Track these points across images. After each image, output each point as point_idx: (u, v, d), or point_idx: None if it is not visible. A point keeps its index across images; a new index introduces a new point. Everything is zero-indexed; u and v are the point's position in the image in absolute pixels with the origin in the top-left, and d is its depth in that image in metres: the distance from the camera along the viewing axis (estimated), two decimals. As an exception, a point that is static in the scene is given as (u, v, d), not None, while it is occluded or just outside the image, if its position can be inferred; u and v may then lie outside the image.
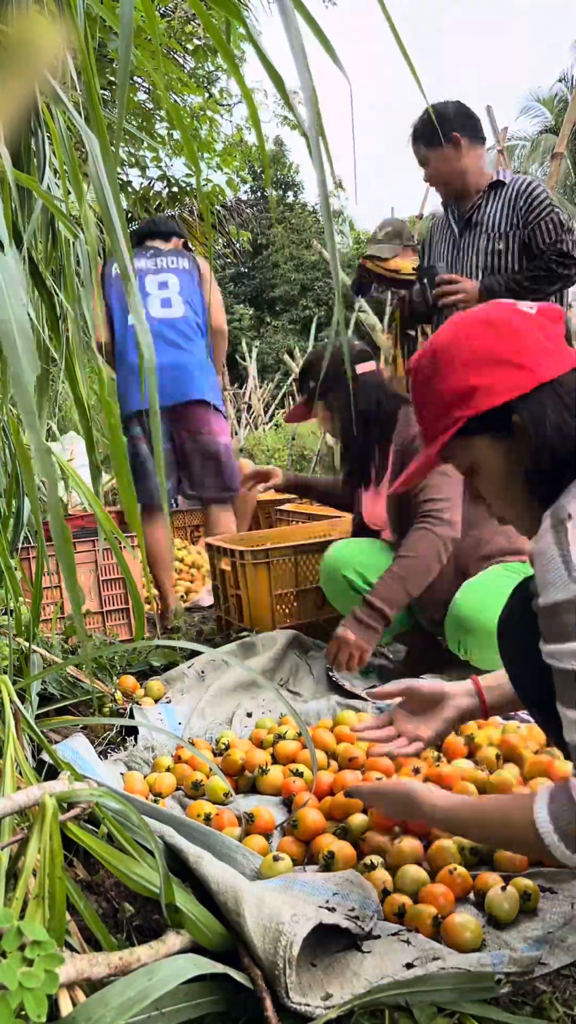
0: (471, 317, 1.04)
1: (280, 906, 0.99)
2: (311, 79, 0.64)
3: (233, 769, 1.62)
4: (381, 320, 7.84)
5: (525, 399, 0.98)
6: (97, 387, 1.34)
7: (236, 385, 11.55)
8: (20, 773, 1.23)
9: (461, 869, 1.20)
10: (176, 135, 4.95)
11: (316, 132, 0.67)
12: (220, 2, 0.80)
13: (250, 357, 11.27)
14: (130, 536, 2.66)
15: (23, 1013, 0.72)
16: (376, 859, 1.25)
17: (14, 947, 0.76)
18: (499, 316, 1.02)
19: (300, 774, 1.54)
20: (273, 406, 11.62)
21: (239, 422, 10.63)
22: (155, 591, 2.93)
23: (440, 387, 1.03)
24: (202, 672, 2.18)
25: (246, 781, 1.60)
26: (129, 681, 2.13)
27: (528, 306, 1.03)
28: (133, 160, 5.31)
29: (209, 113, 5.15)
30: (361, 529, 2.40)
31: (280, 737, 1.72)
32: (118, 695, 2.02)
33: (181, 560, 3.84)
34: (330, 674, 2.14)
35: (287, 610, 2.50)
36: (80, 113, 1.02)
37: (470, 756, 1.59)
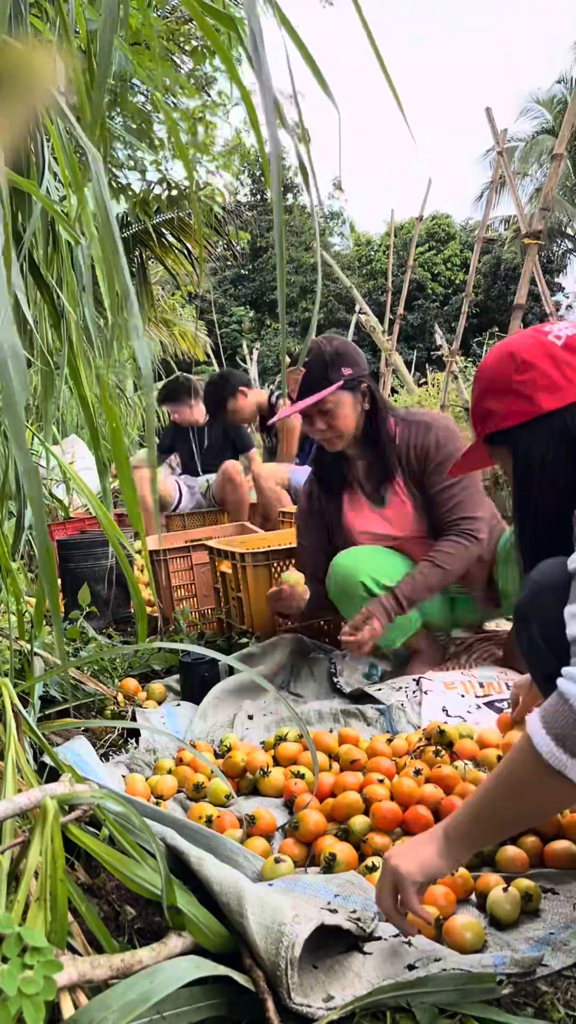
0: (504, 346, 1.18)
1: (282, 907, 0.99)
2: (276, 121, 0.65)
3: (235, 771, 1.62)
4: (381, 321, 7.84)
5: (524, 427, 1.13)
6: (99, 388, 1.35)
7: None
8: (21, 775, 1.23)
9: (462, 870, 1.20)
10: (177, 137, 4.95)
11: (276, 164, 0.67)
12: (216, 13, 0.80)
13: (250, 359, 11.29)
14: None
15: (23, 1018, 0.72)
16: (378, 861, 1.25)
17: (14, 953, 0.76)
18: (522, 347, 1.14)
19: (302, 776, 1.54)
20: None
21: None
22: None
23: (474, 405, 1.22)
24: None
25: (248, 783, 1.61)
26: (131, 684, 2.13)
27: (556, 336, 1.13)
28: (132, 163, 5.31)
29: (208, 115, 5.15)
30: (346, 545, 2.29)
31: (281, 739, 1.72)
32: (120, 698, 2.02)
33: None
34: (333, 678, 2.14)
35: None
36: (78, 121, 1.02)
37: (471, 757, 1.59)
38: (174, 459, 4.52)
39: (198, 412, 4.39)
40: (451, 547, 2.04)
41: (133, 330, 0.83)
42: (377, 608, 2.01)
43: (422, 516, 2.16)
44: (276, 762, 1.66)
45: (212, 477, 4.18)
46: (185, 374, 4.51)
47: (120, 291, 0.85)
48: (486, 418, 1.18)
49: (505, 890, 1.12)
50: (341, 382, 2.10)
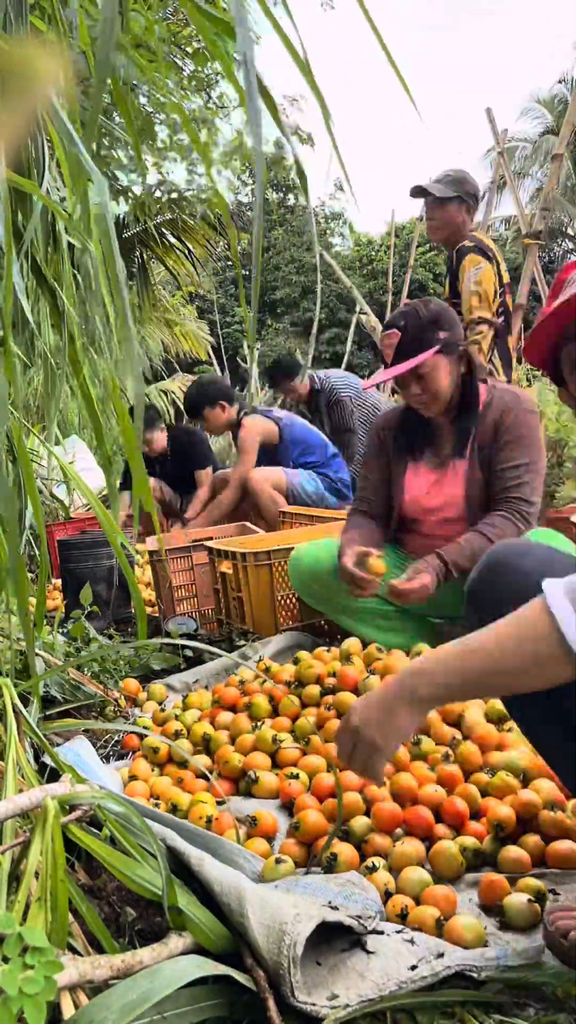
0: None
1: (283, 906, 0.99)
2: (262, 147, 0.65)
3: (233, 773, 1.62)
4: (382, 321, 7.84)
5: None
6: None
7: (237, 388, 11.56)
8: (22, 775, 1.23)
9: (455, 852, 1.23)
10: (178, 139, 4.96)
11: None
12: (214, 19, 0.81)
13: (251, 359, 11.28)
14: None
15: (23, 1017, 0.72)
16: (378, 861, 1.25)
17: (15, 952, 0.76)
18: None
19: (296, 776, 1.54)
20: (273, 407, 11.62)
21: (240, 424, 10.60)
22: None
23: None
24: (206, 684, 2.21)
25: (246, 785, 1.60)
26: (132, 684, 2.14)
27: None
28: (133, 164, 5.31)
29: (208, 117, 5.16)
30: (388, 518, 2.28)
31: (279, 742, 1.71)
32: (121, 699, 2.02)
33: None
34: None
35: (288, 612, 2.50)
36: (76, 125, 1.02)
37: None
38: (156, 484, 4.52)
39: (161, 439, 4.43)
40: (501, 522, 1.97)
41: (127, 342, 0.83)
42: (427, 566, 1.96)
43: (470, 489, 2.09)
44: (275, 764, 1.66)
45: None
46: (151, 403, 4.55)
47: (117, 307, 0.84)
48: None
49: (530, 901, 1.12)
50: (438, 346, 2.03)
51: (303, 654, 2.01)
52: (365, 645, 2.01)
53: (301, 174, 0.82)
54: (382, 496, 2.27)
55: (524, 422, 2.05)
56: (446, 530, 2.14)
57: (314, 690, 1.82)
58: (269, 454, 3.90)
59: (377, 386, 5.08)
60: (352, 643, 2.00)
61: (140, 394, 0.80)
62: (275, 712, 1.82)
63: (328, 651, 2.05)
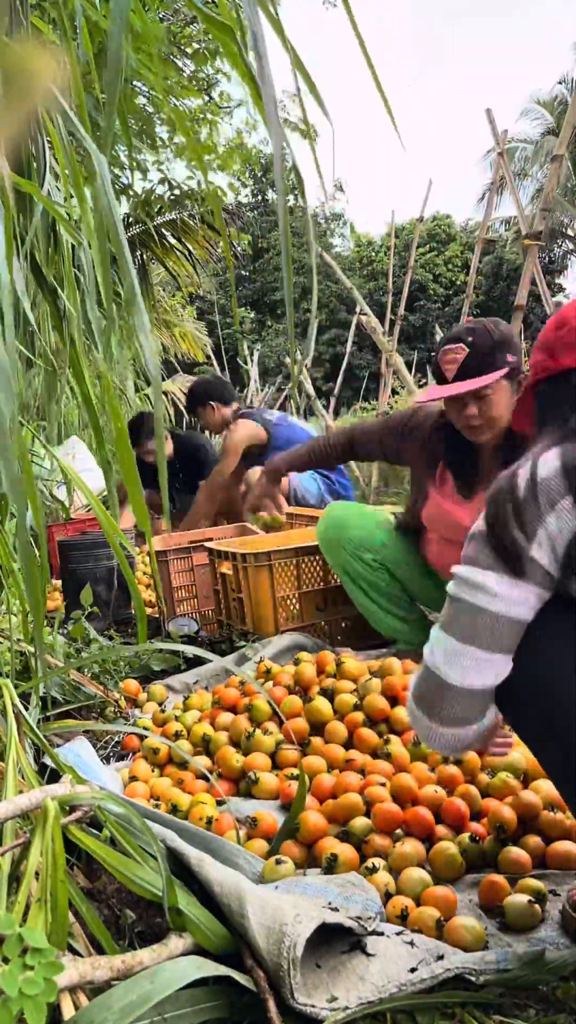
0: (565, 307, 1.15)
1: (283, 907, 0.99)
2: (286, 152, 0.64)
3: (233, 774, 1.62)
4: (382, 322, 7.84)
5: (547, 381, 1.10)
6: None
7: (237, 388, 11.57)
8: (22, 776, 1.23)
9: (455, 852, 1.23)
10: (178, 139, 4.96)
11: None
12: (215, 23, 0.81)
13: (251, 360, 11.29)
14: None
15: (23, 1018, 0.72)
16: (378, 862, 1.24)
17: (15, 953, 0.76)
18: (570, 309, 1.11)
19: (295, 777, 1.54)
20: (274, 408, 11.62)
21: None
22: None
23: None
24: (206, 685, 2.20)
25: (246, 786, 1.60)
26: (132, 685, 2.13)
27: None
28: (134, 163, 5.32)
29: (209, 116, 5.16)
30: (408, 527, 2.29)
31: (280, 743, 1.71)
32: (121, 700, 2.02)
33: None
34: None
35: (289, 613, 2.50)
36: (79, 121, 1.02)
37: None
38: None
39: (166, 447, 4.40)
40: None
41: (140, 327, 0.83)
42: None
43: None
44: (275, 765, 1.66)
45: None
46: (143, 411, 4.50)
47: (126, 291, 0.85)
48: (533, 368, 1.16)
49: (530, 902, 1.12)
50: (506, 369, 1.91)
51: (304, 655, 2.01)
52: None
53: (299, 179, 0.83)
54: (368, 450, 2.35)
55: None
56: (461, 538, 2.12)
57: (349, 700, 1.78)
58: (260, 457, 3.89)
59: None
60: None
61: (158, 402, 0.80)
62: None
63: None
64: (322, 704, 1.73)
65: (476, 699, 0.99)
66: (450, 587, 1.01)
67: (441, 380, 1.97)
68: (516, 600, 0.94)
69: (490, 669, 0.97)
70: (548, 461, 0.95)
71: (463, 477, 2.10)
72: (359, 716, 1.69)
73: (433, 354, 2.10)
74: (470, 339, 1.93)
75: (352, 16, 0.77)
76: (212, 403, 4.00)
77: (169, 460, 4.44)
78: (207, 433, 4.45)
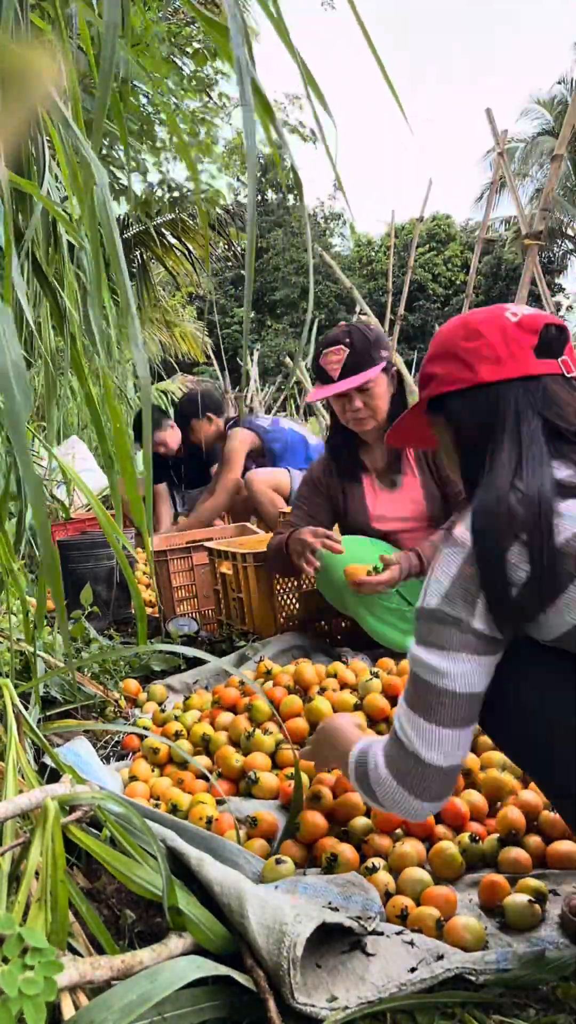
0: (462, 316, 1.15)
1: (283, 907, 0.99)
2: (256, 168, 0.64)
3: (233, 774, 1.62)
4: (382, 322, 7.84)
5: (461, 394, 1.08)
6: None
7: (237, 388, 11.56)
8: (23, 776, 1.23)
9: (455, 852, 1.24)
10: (173, 142, 4.95)
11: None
12: (212, 24, 0.81)
13: (251, 360, 11.28)
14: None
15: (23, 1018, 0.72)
16: (378, 861, 1.24)
17: (15, 953, 0.76)
18: (477, 318, 1.11)
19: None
20: (275, 409, 11.62)
21: (240, 425, 10.59)
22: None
23: (421, 369, 1.17)
24: (206, 685, 2.20)
25: (246, 785, 1.60)
26: (132, 685, 2.13)
27: (512, 313, 1.09)
28: (134, 164, 5.32)
29: (208, 117, 5.16)
30: (356, 530, 2.33)
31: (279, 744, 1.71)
32: (121, 700, 2.02)
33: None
34: None
35: (289, 613, 2.50)
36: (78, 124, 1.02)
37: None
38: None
39: (174, 437, 4.41)
40: None
41: (132, 339, 0.83)
42: (401, 558, 2.02)
43: (429, 502, 2.21)
44: (275, 765, 1.65)
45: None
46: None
47: (121, 300, 0.85)
48: (428, 382, 1.13)
49: (530, 902, 1.12)
50: (384, 364, 2.14)
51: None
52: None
53: (296, 180, 0.83)
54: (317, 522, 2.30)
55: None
56: (421, 538, 2.20)
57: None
58: (257, 464, 3.92)
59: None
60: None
61: (148, 396, 0.80)
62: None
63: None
64: (322, 704, 1.73)
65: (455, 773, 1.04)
66: (409, 664, 1.04)
67: (325, 380, 2.17)
68: (469, 672, 0.97)
69: (465, 744, 1.02)
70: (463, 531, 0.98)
71: (374, 470, 2.28)
72: (359, 716, 1.69)
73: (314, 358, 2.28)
74: (348, 340, 2.14)
75: (358, 13, 0.77)
76: (208, 415, 4.05)
77: (175, 454, 4.44)
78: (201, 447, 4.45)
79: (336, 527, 2.40)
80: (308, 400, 2.27)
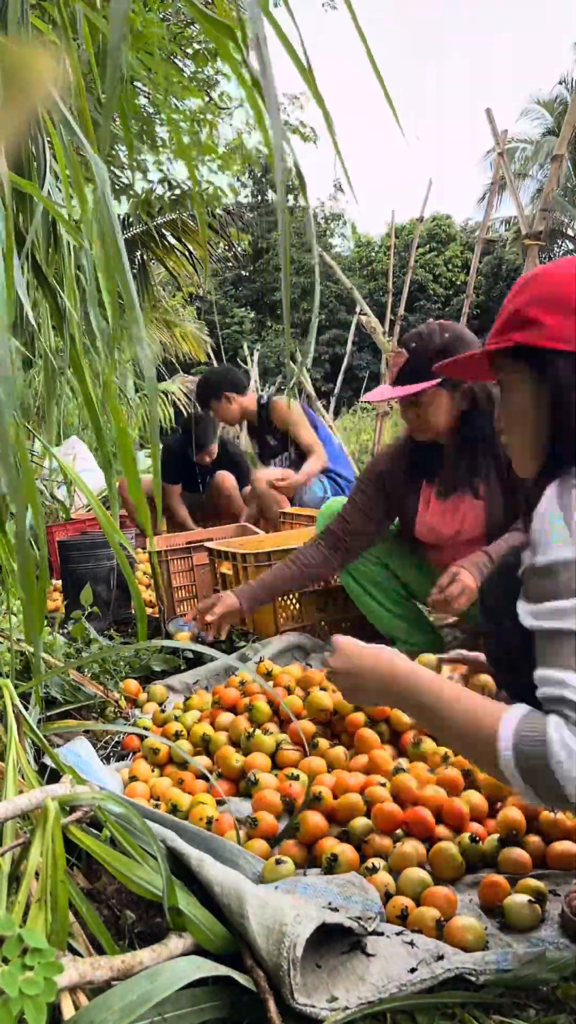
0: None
1: (283, 907, 0.99)
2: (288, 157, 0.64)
3: (233, 774, 1.62)
4: (382, 322, 7.85)
5: (568, 355, 0.97)
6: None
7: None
8: (23, 776, 1.23)
9: (455, 852, 1.22)
10: (173, 143, 4.96)
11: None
12: (215, 22, 0.81)
13: (251, 360, 11.27)
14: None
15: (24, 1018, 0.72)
16: (378, 862, 1.24)
17: (15, 954, 0.76)
18: None
19: (296, 777, 1.54)
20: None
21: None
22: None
23: (515, 303, 1.04)
24: (206, 685, 2.20)
25: (247, 786, 1.60)
26: (132, 685, 2.13)
27: None
28: (135, 163, 5.31)
29: (210, 116, 5.16)
30: (402, 541, 2.30)
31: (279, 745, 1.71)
32: (121, 700, 2.02)
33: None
34: None
35: (289, 613, 2.50)
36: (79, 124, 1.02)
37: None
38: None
39: (215, 449, 4.31)
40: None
41: (137, 340, 0.83)
42: (468, 563, 1.89)
43: (493, 514, 2.06)
44: (275, 766, 1.65)
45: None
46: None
47: (124, 299, 0.84)
48: (527, 326, 1.00)
49: (531, 902, 1.11)
50: (440, 379, 1.92)
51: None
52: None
53: (300, 180, 0.83)
54: (363, 518, 2.22)
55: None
56: (470, 549, 2.08)
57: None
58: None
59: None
60: None
61: (153, 395, 0.80)
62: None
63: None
64: (323, 696, 1.73)
65: None
66: (538, 623, 0.91)
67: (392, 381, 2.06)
68: None
69: None
70: None
71: (432, 479, 2.15)
72: (360, 716, 1.69)
73: None
74: (412, 345, 1.99)
75: (355, 16, 0.77)
76: (227, 394, 3.88)
77: (211, 463, 4.35)
78: (221, 426, 4.33)
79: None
80: (364, 399, 2.21)
